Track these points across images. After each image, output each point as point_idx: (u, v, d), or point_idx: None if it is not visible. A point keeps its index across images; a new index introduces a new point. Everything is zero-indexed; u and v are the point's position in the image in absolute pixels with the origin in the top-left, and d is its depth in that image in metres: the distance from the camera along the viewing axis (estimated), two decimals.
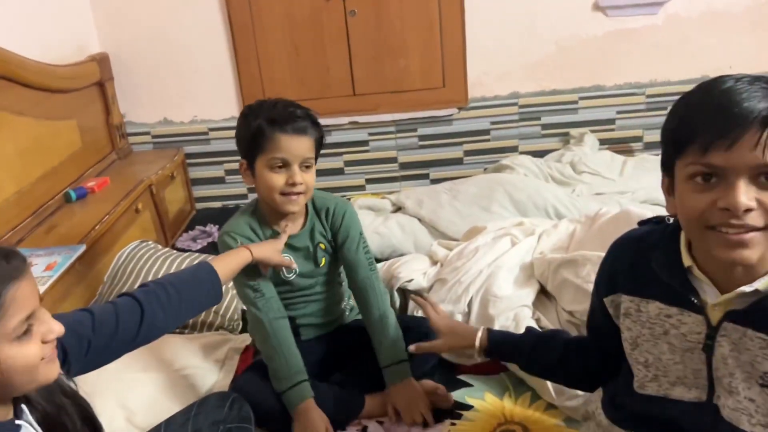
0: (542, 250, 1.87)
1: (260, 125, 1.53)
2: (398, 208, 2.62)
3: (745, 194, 0.86)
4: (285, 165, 1.54)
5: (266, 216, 1.65)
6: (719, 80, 0.91)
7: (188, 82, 2.94)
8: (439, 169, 3.04)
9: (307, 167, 1.57)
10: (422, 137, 3.01)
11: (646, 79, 2.90)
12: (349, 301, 1.81)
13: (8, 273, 0.85)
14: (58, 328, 0.92)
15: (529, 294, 1.76)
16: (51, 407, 0.98)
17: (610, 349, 1.18)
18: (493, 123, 2.97)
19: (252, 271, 1.59)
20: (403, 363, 1.62)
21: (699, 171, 0.90)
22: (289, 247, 1.66)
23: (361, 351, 1.68)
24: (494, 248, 1.90)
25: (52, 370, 0.94)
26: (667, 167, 0.98)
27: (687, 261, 1.00)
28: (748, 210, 0.87)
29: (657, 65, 2.87)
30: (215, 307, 2.04)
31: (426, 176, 3.06)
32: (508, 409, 1.62)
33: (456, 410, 1.62)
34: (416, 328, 1.70)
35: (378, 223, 2.46)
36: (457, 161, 3.03)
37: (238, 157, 1.64)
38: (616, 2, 2.77)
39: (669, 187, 1.00)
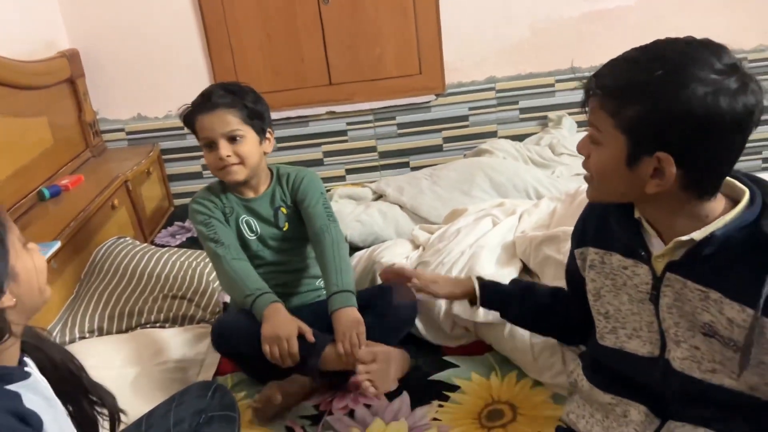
0: (524, 229, 1.86)
1: (185, 115, 1.70)
2: (379, 196, 2.60)
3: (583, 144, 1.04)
4: (212, 143, 1.65)
5: (228, 184, 1.75)
6: None
7: (161, 77, 2.89)
8: (419, 156, 3.03)
9: (236, 139, 1.65)
10: (401, 125, 2.99)
11: None
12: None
13: None
14: (33, 244, 0.96)
15: (512, 272, 1.75)
16: (45, 358, 0.99)
17: (585, 299, 1.22)
18: (471, 109, 2.96)
19: (210, 224, 1.70)
20: (348, 293, 1.60)
21: None
22: (251, 211, 1.75)
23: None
24: (476, 229, 1.89)
25: (48, 289, 0.97)
26: None
27: (637, 213, 1.06)
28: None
29: (632, 46, 2.87)
30: (196, 299, 2.02)
31: (406, 164, 3.04)
32: (495, 388, 1.61)
33: (443, 392, 1.61)
34: (380, 301, 1.68)
35: (359, 211, 2.44)
36: (437, 148, 3.02)
37: None
38: None
39: None
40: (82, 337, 1.87)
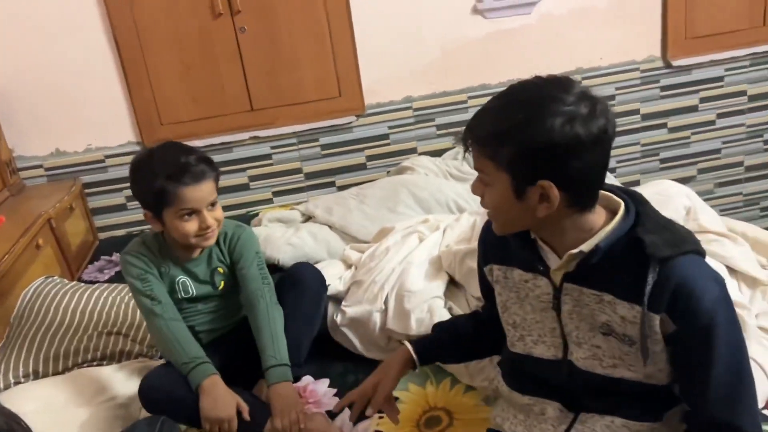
0: (448, 243, 1.98)
1: (161, 185, 1.58)
2: (308, 218, 2.67)
3: (474, 185, 1.13)
4: (194, 212, 1.63)
5: (170, 245, 1.74)
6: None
7: (79, 111, 2.86)
8: (344, 176, 3.12)
9: (213, 205, 1.67)
10: (324, 146, 3.07)
11: (527, 75, 3.07)
12: None
13: None
14: None
15: (440, 285, 1.86)
16: None
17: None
18: (390, 127, 3.08)
19: (147, 279, 1.69)
20: (285, 366, 1.67)
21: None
22: (188, 273, 1.76)
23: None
24: (404, 246, 1.99)
25: None
26: None
27: (533, 234, 1.18)
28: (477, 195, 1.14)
29: (536, 61, 3.07)
30: (131, 334, 2.03)
31: (332, 184, 3.13)
32: (431, 396, 1.71)
33: None
34: (290, 291, 1.82)
35: (290, 234, 2.49)
36: (361, 167, 3.12)
37: None
38: (492, 5, 2.95)
39: None
40: (17, 383, 1.85)
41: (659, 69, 3.16)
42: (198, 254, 1.76)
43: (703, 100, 3.22)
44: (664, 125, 3.27)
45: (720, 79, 3.19)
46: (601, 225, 1.10)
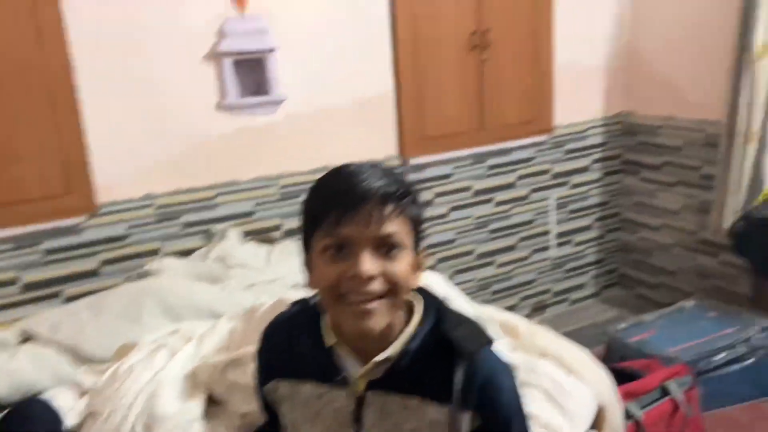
0: (204, 355, 1.77)
1: None
2: (27, 338, 2.23)
3: (369, 263, 0.97)
4: None
5: None
6: (345, 166, 1.05)
7: None
8: (74, 284, 2.71)
9: None
10: (48, 251, 2.65)
11: (277, 172, 3.06)
12: None
13: None
14: None
15: (198, 405, 1.64)
16: None
17: None
18: (129, 227, 2.79)
19: None
20: None
21: (331, 243, 0.99)
22: None
23: None
24: (152, 363, 1.73)
25: None
26: (307, 244, 1.06)
27: (330, 340, 1.07)
28: (371, 278, 0.96)
29: (285, 158, 3.07)
30: None
31: (57, 295, 2.69)
32: None
33: None
34: None
35: (3, 360, 2.04)
36: (93, 273, 2.74)
37: None
38: (236, 103, 2.89)
39: (308, 263, 1.07)
40: None
41: (398, 167, 3.36)
42: None
43: (437, 195, 3.50)
44: None
45: (449, 176, 3.51)
46: (400, 325, 1.05)
